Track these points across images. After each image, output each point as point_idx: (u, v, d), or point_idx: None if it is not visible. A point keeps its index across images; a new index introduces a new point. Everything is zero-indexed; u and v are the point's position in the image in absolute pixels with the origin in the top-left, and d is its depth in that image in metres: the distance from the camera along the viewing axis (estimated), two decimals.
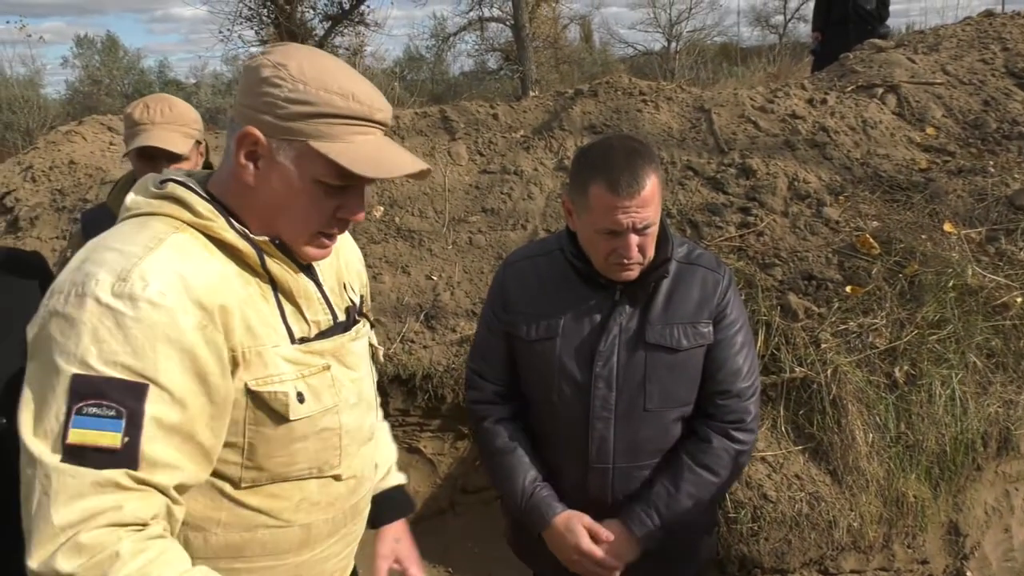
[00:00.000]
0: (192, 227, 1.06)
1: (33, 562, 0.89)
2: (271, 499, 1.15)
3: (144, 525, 0.94)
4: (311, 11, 12.76)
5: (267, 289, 1.11)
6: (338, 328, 1.21)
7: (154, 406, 0.95)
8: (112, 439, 0.92)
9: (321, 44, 12.57)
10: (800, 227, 3.43)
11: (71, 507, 0.89)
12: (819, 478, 2.69)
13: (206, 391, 1.00)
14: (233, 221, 1.09)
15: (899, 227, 3.33)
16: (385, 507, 1.50)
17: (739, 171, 3.74)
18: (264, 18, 12.56)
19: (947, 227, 3.36)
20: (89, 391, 0.92)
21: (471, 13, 17.30)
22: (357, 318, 1.28)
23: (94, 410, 0.91)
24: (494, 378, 1.87)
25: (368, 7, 12.93)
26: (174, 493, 1.00)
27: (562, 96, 4.43)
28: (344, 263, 1.35)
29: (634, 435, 1.73)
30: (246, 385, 1.06)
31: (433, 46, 19.63)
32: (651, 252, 1.65)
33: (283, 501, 1.16)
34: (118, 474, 0.92)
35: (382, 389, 3.16)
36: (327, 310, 1.20)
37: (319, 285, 1.21)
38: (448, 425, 3.37)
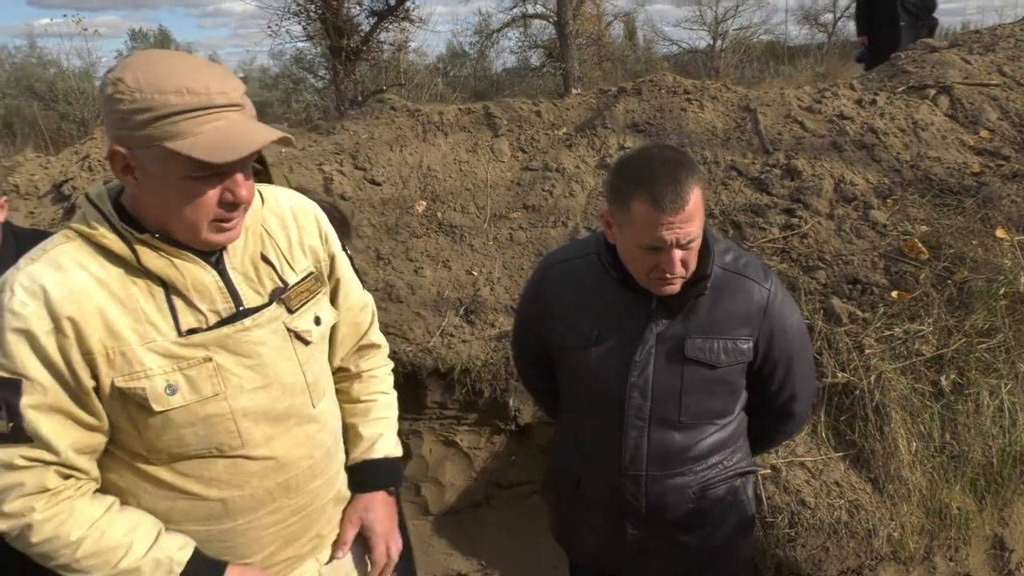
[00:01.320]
0: (83, 236, 1.19)
1: None
2: (181, 477, 1.27)
3: (48, 490, 1.17)
4: (357, 7, 12.87)
5: (156, 287, 1.20)
6: (238, 316, 1.26)
7: (29, 397, 1.14)
8: (1, 426, 1.13)
9: (366, 39, 12.68)
10: (846, 230, 3.37)
11: None
12: (859, 486, 2.65)
13: (62, 383, 1.16)
14: (118, 226, 1.18)
15: (949, 232, 3.26)
16: (356, 478, 1.56)
17: (784, 172, 3.69)
18: (311, 13, 12.69)
19: (999, 233, 3.27)
20: None
21: (515, 9, 17.30)
22: (277, 302, 1.32)
23: None
24: (536, 364, 1.97)
25: (413, 3, 12.97)
26: (72, 459, 1.18)
27: (605, 94, 4.41)
28: (287, 239, 1.38)
29: (667, 444, 1.72)
30: (112, 382, 1.17)
31: (476, 42, 19.66)
32: (694, 265, 1.61)
33: (192, 479, 1.28)
34: (14, 455, 1.15)
35: (420, 382, 3.21)
36: (228, 298, 1.26)
37: (223, 273, 1.26)
38: (485, 419, 3.39)
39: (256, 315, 1.29)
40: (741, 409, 1.82)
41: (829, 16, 25.11)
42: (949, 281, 3.04)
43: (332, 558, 1.51)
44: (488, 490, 3.47)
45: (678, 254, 1.54)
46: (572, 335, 1.76)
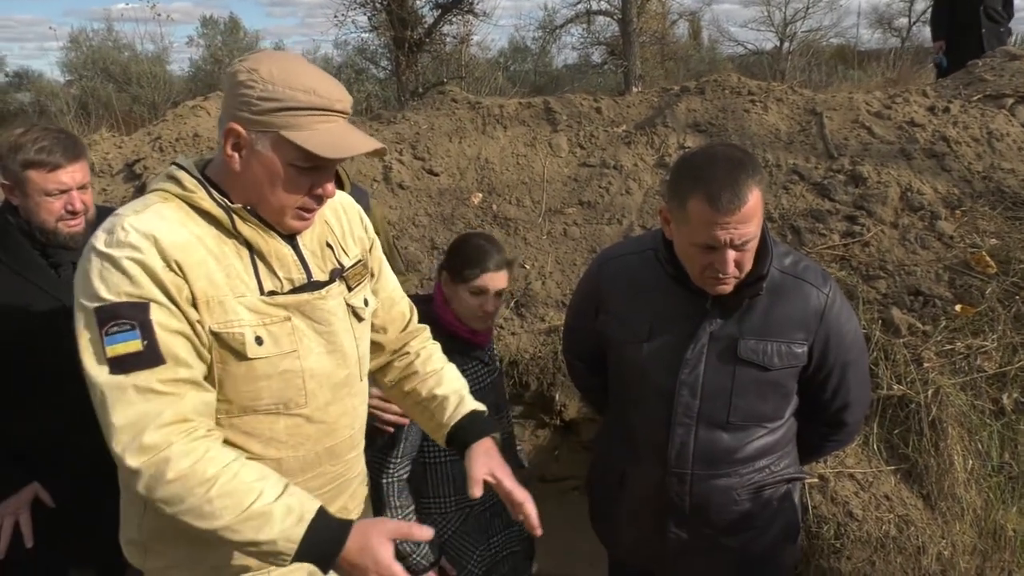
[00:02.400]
0: (180, 198, 1.29)
1: (115, 450, 1.18)
2: (243, 436, 1.34)
3: (187, 421, 1.21)
4: None
5: (243, 249, 1.31)
6: (308, 287, 1.37)
7: (158, 315, 1.20)
8: (135, 345, 1.18)
9: (430, 31, 12.80)
10: (910, 240, 3.28)
11: (125, 412, 1.18)
12: (910, 501, 2.59)
13: (179, 310, 1.23)
14: (215, 193, 1.30)
15: (1020, 246, 3.14)
16: (467, 430, 1.58)
17: (848, 178, 3.61)
18: (377, 4, 12.88)
19: None
20: (108, 316, 1.19)
21: (579, 5, 17.23)
22: (339, 279, 1.44)
23: (115, 329, 1.18)
24: (587, 359, 2.00)
25: None
26: (202, 382, 1.25)
27: (667, 92, 4.38)
28: (341, 228, 1.51)
29: (714, 445, 1.71)
30: (209, 328, 1.26)
31: (539, 37, 19.65)
32: (749, 266, 1.60)
33: (253, 438, 1.35)
34: (151, 379, 1.19)
35: None
36: (302, 270, 1.37)
37: (296, 249, 1.38)
38: (530, 412, 3.41)
39: (328, 287, 1.41)
40: (792, 414, 1.80)
41: (904, 20, 24.34)
42: (1017, 297, 2.93)
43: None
44: (531, 484, 3.48)
45: (732, 254, 1.54)
46: (625, 330, 1.77)
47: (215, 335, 1.26)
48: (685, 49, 20.32)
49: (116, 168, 4.16)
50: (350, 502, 1.58)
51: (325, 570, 1.25)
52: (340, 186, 2.41)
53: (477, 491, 1.46)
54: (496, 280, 2.04)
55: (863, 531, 2.53)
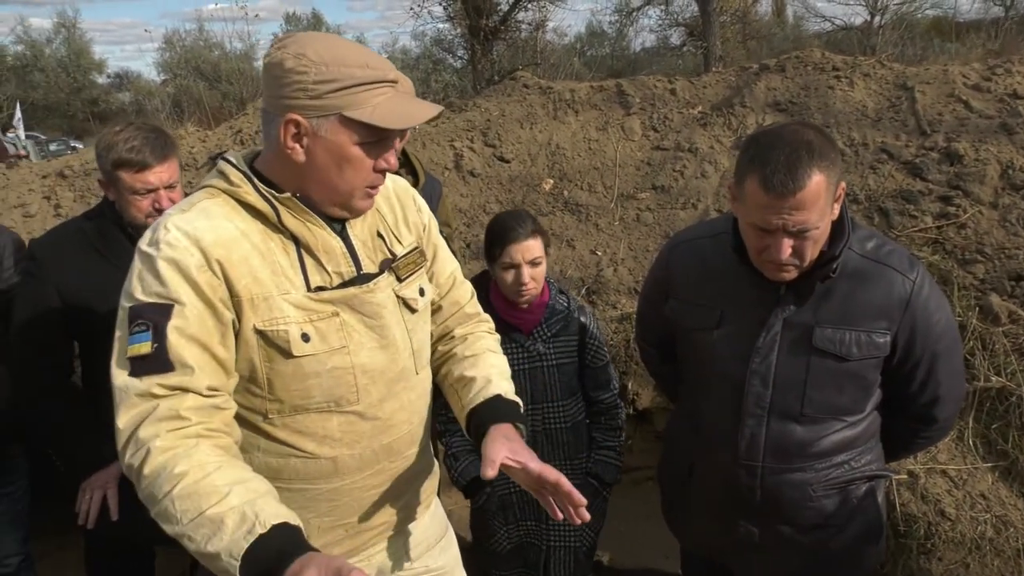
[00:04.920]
0: (226, 193, 1.28)
1: (119, 452, 1.17)
2: (297, 435, 1.32)
3: (182, 419, 1.16)
4: None
5: (289, 244, 1.29)
6: (358, 280, 1.33)
7: (176, 320, 1.18)
8: (146, 347, 1.17)
9: (505, 19, 12.77)
10: (1011, 221, 3.06)
11: (127, 415, 1.17)
12: (1009, 501, 2.41)
13: (212, 313, 1.21)
14: (261, 186, 1.27)
15: None
16: (485, 414, 1.44)
17: (942, 156, 3.39)
18: None
19: None
20: (136, 316, 1.19)
21: None
22: (388, 270, 1.39)
23: (137, 329, 1.18)
24: (658, 345, 1.95)
25: None
26: (206, 391, 1.20)
27: (746, 71, 4.22)
28: (394, 216, 1.47)
29: (787, 437, 1.63)
30: (254, 326, 1.24)
31: (615, 21, 19.33)
32: (812, 254, 1.51)
33: (307, 437, 1.33)
34: (152, 384, 1.16)
35: None
36: (351, 262, 1.33)
37: (347, 240, 1.34)
38: None
39: (377, 279, 1.36)
40: (874, 408, 1.70)
41: None
42: None
43: (488, 476, 1.28)
44: None
45: (787, 241, 1.46)
46: (695, 316, 1.71)
47: (260, 333, 1.24)
48: (768, 27, 19.58)
49: (200, 161, 4.32)
50: (413, 499, 1.55)
51: None
52: (415, 175, 2.42)
53: (491, 471, 1.27)
54: (524, 251, 2.06)
55: (956, 531, 2.38)
